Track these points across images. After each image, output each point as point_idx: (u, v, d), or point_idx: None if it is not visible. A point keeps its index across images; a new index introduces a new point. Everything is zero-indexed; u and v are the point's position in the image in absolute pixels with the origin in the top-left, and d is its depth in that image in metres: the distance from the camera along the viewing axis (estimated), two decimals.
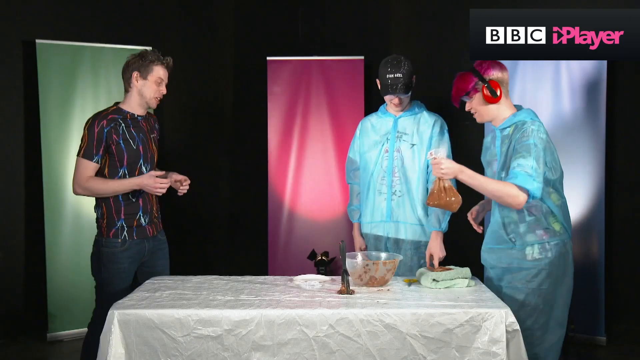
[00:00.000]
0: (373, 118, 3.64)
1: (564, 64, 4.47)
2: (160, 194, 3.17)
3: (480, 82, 2.85)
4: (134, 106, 3.24)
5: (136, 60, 3.20)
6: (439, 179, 2.82)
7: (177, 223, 4.88)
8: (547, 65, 4.51)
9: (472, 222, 3.10)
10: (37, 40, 4.61)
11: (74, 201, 4.67)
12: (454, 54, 5.11)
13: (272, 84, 5.25)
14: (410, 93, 3.43)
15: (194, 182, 3.42)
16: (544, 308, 2.80)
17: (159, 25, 5.46)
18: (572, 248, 2.90)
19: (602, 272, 4.39)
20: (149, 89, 3.21)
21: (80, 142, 3.16)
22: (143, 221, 3.24)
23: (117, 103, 3.28)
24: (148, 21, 5.39)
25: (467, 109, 2.96)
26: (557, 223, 2.83)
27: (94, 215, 3.26)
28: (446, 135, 3.47)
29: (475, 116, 2.95)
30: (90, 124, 3.14)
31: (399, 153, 3.48)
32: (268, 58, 5.26)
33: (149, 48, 3.34)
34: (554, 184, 2.81)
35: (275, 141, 5.26)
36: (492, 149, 2.97)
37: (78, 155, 3.15)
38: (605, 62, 4.36)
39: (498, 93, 2.84)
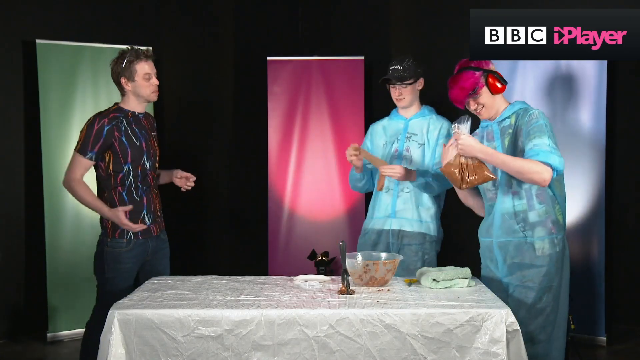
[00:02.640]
0: (384, 121, 3.70)
1: (564, 64, 4.47)
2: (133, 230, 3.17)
3: (485, 74, 2.85)
4: (134, 105, 3.26)
5: (117, 65, 3.20)
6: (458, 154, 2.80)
7: (178, 223, 4.88)
8: (547, 65, 4.50)
9: None
10: (37, 40, 4.60)
11: (74, 201, 4.63)
12: (453, 54, 5.10)
13: (272, 84, 5.24)
14: (408, 87, 3.49)
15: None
16: (554, 305, 2.81)
17: (159, 25, 5.45)
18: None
19: (602, 272, 4.39)
20: (141, 87, 3.21)
21: (77, 138, 3.20)
22: (147, 220, 3.24)
23: (117, 103, 3.30)
24: (148, 21, 5.38)
25: (472, 107, 2.93)
26: (561, 215, 2.85)
27: (95, 215, 3.26)
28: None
29: (482, 112, 2.92)
30: (90, 122, 3.17)
31: (407, 153, 3.53)
32: (268, 58, 5.25)
33: (125, 47, 3.27)
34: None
35: (275, 141, 5.26)
36: (492, 143, 2.94)
37: (75, 149, 3.19)
38: (605, 62, 4.36)
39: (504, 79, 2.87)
